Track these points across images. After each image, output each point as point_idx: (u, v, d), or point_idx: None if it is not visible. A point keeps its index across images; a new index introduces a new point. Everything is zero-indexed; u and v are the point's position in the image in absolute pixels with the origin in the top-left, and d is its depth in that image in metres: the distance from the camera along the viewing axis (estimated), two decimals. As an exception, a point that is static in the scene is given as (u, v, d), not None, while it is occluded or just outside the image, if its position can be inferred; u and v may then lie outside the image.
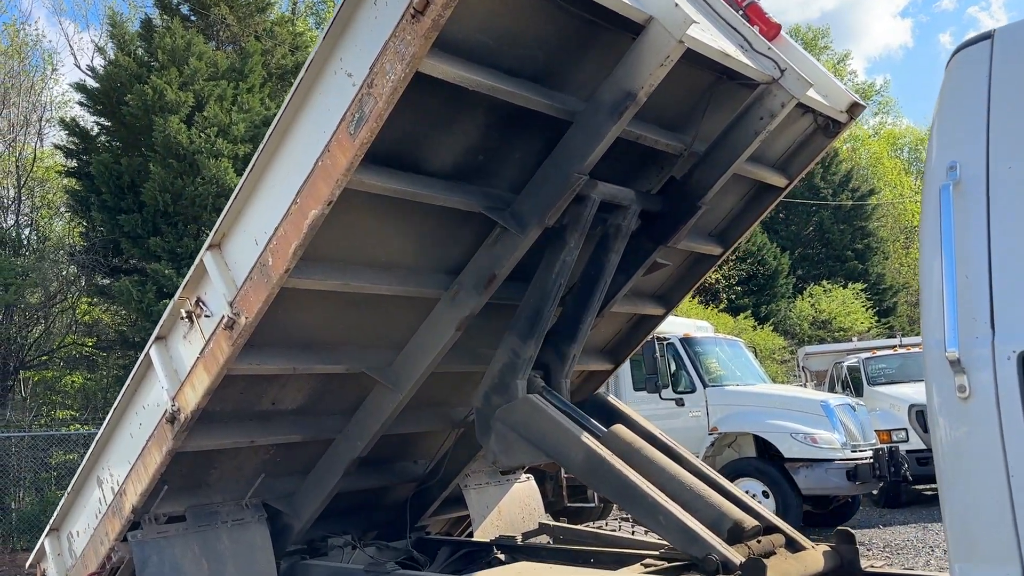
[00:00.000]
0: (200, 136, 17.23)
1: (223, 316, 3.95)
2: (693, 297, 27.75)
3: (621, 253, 4.67)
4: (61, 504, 5.31)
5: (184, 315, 4.24)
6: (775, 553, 3.79)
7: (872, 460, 11.41)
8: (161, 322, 4.49)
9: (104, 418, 4.94)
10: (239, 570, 4.79)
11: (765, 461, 11.39)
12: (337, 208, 3.68)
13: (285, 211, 3.70)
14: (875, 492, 12.79)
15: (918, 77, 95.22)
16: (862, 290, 34.45)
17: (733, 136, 4.59)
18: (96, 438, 4.96)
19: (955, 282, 2.45)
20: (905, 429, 13.86)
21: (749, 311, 29.65)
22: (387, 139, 3.64)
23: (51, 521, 5.40)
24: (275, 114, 4.13)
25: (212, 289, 4.14)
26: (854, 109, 5.09)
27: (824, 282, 34.47)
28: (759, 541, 3.81)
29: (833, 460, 11.32)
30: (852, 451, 11.61)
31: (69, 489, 5.20)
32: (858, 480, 11.21)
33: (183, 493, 4.80)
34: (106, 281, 19.51)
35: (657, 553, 4.42)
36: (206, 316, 4.14)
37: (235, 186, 4.13)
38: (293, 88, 3.74)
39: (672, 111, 4.62)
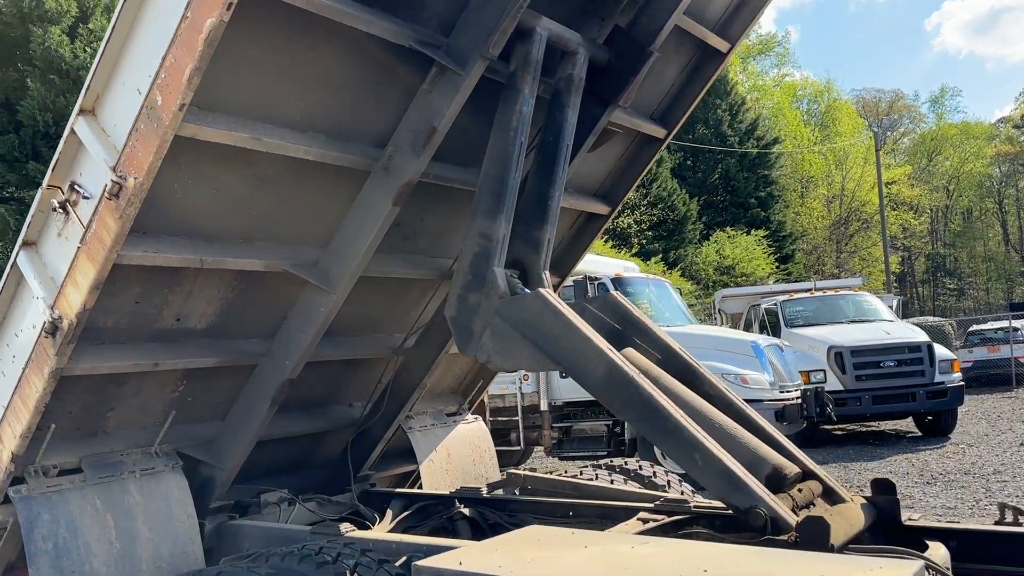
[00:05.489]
0: (85, 50, 15.70)
1: (105, 186, 3.17)
2: (606, 241, 27.60)
3: (578, 110, 4.12)
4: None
5: (57, 207, 3.41)
6: (814, 504, 3.27)
7: (800, 400, 11.37)
8: (27, 225, 3.62)
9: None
10: (153, 526, 3.97)
11: (694, 402, 11.16)
12: (237, 33, 2.99)
13: (174, 33, 2.94)
14: (795, 432, 12.85)
15: (824, 29, 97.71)
16: (764, 237, 35.19)
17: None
18: None
19: None
20: (823, 370, 13.97)
21: (659, 256, 29.83)
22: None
23: None
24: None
25: (90, 165, 3.33)
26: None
27: (728, 228, 35.03)
28: (800, 490, 3.27)
29: (762, 400, 11.21)
30: (780, 391, 11.54)
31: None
32: (786, 420, 11.17)
33: (75, 441, 3.94)
34: (-19, 210, 17.75)
35: (652, 505, 3.85)
36: (84, 198, 3.32)
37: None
38: None
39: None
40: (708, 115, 38.72)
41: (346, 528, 3.97)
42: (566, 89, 4.04)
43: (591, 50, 4.13)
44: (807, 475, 3.42)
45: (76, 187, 3.37)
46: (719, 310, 20.42)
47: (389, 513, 4.79)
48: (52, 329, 3.39)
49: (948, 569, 3.01)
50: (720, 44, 4.83)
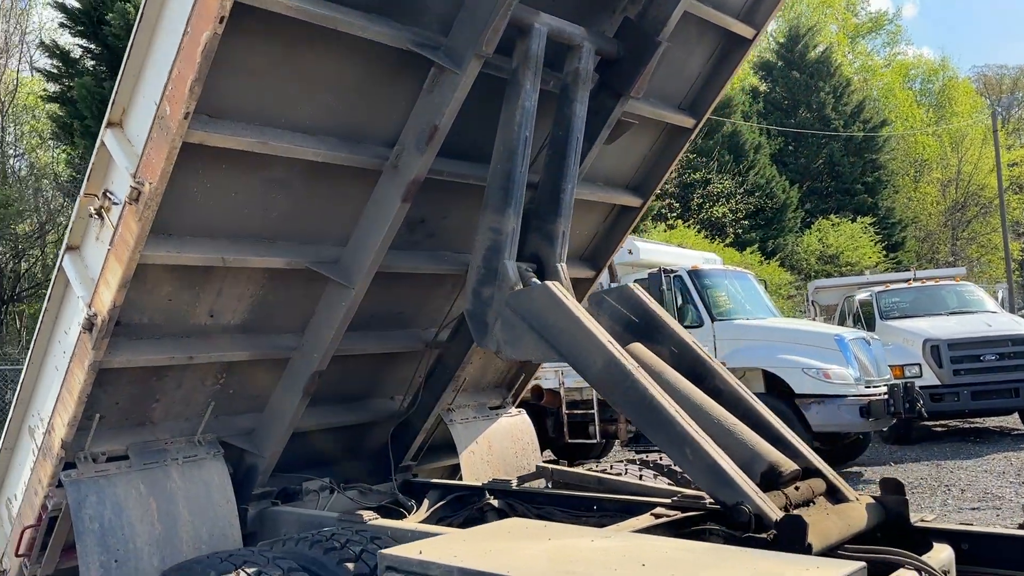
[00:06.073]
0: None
1: (127, 191, 3.42)
2: (699, 231, 27.11)
3: (586, 104, 4.17)
4: (-7, 469, 4.76)
5: (93, 213, 3.69)
6: (814, 502, 3.21)
7: (887, 396, 10.90)
8: (69, 231, 3.94)
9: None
10: (193, 509, 4.24)
11: (774, 397, 10.87)
12: (238, 46, 3.20)
13: (177, 47, 3.15)
14: (885, 428, 12.35)
15: (944, 4, 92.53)
16: (871, 224, 33.77)
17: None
18: (19, 383, 4.38)
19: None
20: (919, 364, 13.36)
21: (756, 246, 29.09)
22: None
23: None
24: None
25: (117, 173, 3.59)
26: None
27: (832, 216, 33.78)
28: (797, 488, 3.23)
29: (846, 396, 10.80)
30: (866, 387, 11.09)
31: (-1, 449, 4.63)
32: (872, 416, 10.71)
33: (123, 430, 4.23)
34: (94, 211, 18.98)
35: (669, 501, 3.85)
36: (114, 204, 3.57)
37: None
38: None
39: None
40: (811, 98, 37.42)
41: (369, 516, 4.13)
42: (573, 83, 4.08)
43: (598, 43, 4.15)
44: (811, 473, 3.36)
45: (108, 194, 3.64)
46: (812, 302, 19.75)
47: (425, 503, 4.93)
48: (89, 325, 3.68)
49: (947, 572, 2.91)
50: (745, 31, 4.77)
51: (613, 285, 12.82)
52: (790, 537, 2.76)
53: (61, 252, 3.96)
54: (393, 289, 4.69)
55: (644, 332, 4.02)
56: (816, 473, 3.38)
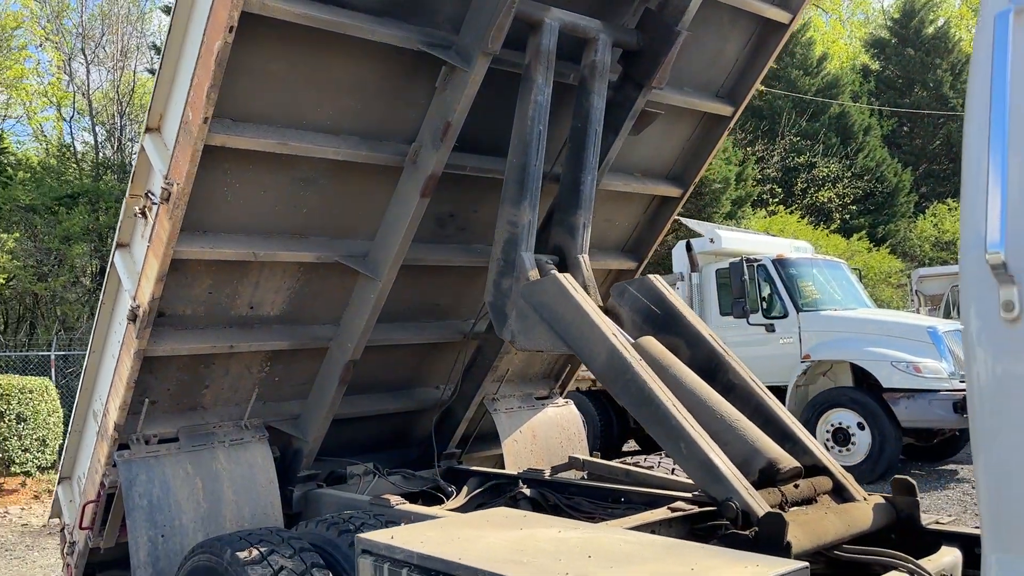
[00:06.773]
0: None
1: (160, 192, 3.66)
2: (802, 216, 26.22)
3: (604, 96, 4.17)
4: (65, 450, 5.17)
5: (138, 212, 3.95)
6: (815, 501, 3.13)
7: (984, 391, 10.33)
8: (118, 229, 4.24)
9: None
10: (237, 489, 4.49)
11: (862, 391, 10.48)
12: (255, 53, 3.37)
13: (196, 56, 3.34)
14: (987, 425, 11.66)
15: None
16: (993, 209, 31.71)
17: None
18: (83, 371, 4.73)
19: (1006, 154, 1.75)
20: (1027, 358, 12.54)
21: (864, 232, 27.83)
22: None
23: (60, 470, 5.28)
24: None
25: (154, 175, 3.83)
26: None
27: (950, 200, 31.93)
28: (796, 486, 3.16)
29: (938, 391, 10.30)
30: (961, 381, 10.55)
31: (70, 431, 5.02)
32: (966, 412, 10.18)
33: (174, 415, 4.52)
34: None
35: (690, 495, 3.83)
36: (154, 204, 3.82)
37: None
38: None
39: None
40: (927, 76, 35.52)
41: (396, 501, 4.28)
42: (590, 76, 4.08)
43: (615, 35, 4.14)
44: (818, 471, 3.28)
45: (150, 194, 3.90)
46: (916, 291, 18.79)
47: (464, 489, 5.05)
48: (133, 316, 3.96)
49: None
50: (781, 16, 4.65)
51: (695, 275, 12.66)
52: (769, 535, 2.72)
53: (112, 249, 4.25)
54: (429, 282, 4.82)
55: (663, 324, 4.00)
56: (823, 471, 3.30)
